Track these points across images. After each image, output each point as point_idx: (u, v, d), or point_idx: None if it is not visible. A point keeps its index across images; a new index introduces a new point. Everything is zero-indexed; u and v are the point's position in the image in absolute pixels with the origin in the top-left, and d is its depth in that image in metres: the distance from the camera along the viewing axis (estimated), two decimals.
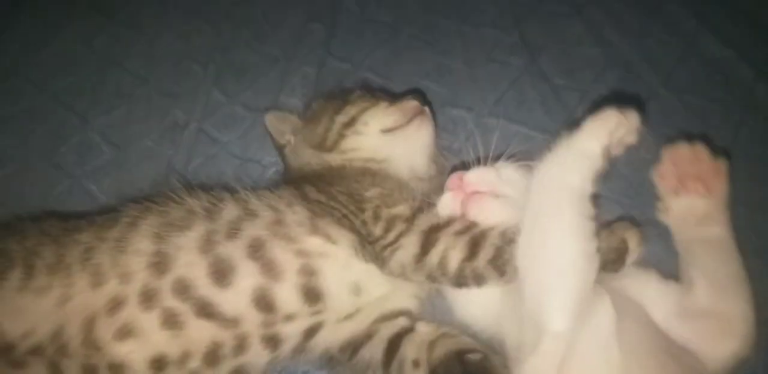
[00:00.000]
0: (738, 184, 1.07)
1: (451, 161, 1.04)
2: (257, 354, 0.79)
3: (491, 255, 0.74)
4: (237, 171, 1.17)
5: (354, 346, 0.85)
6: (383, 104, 1.01)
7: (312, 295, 0.79)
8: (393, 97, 1.06)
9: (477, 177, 0.88)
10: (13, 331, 0.74)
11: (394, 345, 0.84)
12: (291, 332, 0.80)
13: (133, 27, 1.42)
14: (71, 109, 1.27)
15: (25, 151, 1.20)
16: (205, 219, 0.82)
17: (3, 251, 0.80)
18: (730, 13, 1.34)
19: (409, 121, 0.98)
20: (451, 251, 0.76)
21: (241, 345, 0.78)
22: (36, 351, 0.74)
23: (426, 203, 0.86)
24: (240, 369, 0.80)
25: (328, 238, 0.82)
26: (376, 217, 0.83)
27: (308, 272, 0.79)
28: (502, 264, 0.74)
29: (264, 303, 0.77)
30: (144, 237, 0.80)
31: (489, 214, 0.82)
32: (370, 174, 0.93)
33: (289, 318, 0.79)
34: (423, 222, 0.81)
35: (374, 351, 0.84)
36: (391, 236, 0.80)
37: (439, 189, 0.91)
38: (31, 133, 1.23)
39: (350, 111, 1.00)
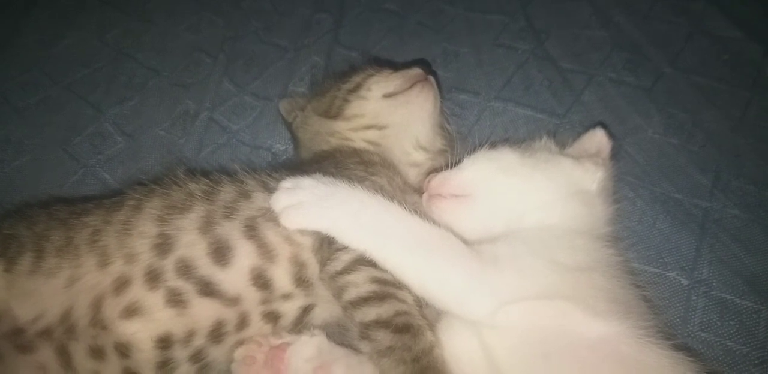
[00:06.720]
0: (746, 162, 1.07)
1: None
2: (259, 328, 0.79)
3: (383, 317, 0.72)
4: (247, 158, 1.18)
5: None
6: (387, 71, 1.03)
7: (302, 282, 0.80)
8: (399, 68, 1.06)
9: (440, 180, 0.88)
10: (24, 315, 0.74)
11: None
12: (289, 308, 0.81)
13: (144, 20, 1.45)
14: (85, 100, 1.29)
15: (41, 141, 1.22)
16: (204, 202, 0.82)
17: (14, 237, 0.81)
18: None
19: (411, 86, 0.98)
20: (352, 288, 0.75)
21: (243, 322, 0.79)
22: (44, 334, 0.74)
23: None
24: (242, 343, 0.80)
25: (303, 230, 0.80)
26: None
27: (298, 263, 0.80)
28: (386, 326, 0.71)
29: (262, 282, 0.78)
30: (148, 220, 0.80)
31: (447, 218, 0.83)
32: (361, 158, 0.93)
33: (286, 297, 0.80)
34: None
35: None
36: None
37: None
38: (46, 124, 1.25)
39: (355, 78, 1.02)
